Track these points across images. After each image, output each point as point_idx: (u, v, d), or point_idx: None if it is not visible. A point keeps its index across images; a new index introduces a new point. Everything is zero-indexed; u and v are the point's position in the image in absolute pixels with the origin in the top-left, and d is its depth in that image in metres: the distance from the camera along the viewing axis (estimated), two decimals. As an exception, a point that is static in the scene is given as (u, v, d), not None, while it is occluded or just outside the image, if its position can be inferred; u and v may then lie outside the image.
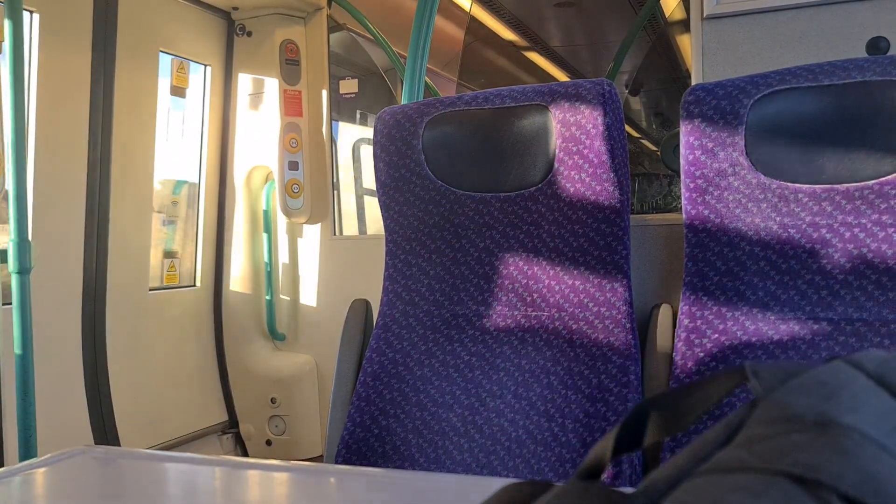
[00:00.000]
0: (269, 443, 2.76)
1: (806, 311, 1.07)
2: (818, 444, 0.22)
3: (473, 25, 4.78)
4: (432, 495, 0.74)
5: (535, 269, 1.22)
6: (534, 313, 1.21)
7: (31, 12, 2.03)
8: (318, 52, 2.75)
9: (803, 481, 0.21)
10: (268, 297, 2.77)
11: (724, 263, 1.11)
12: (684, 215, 1.14)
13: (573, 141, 1.16)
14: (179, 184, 2.81)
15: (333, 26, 2.88)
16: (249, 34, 2.76)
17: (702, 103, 1.11)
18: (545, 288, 1.21)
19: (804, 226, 1.06)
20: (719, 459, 0.23)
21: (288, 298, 2.80)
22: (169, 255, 2.72)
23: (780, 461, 0.22)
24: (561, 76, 5.79)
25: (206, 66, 2.73)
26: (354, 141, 3.52)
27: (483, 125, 1.23)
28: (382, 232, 1.34)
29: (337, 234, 2.79)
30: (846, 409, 0.23)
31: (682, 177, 1.13)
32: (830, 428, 0.23)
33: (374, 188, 1.34)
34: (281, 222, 2.80)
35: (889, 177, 1.02)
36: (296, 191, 2.69)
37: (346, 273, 2.70)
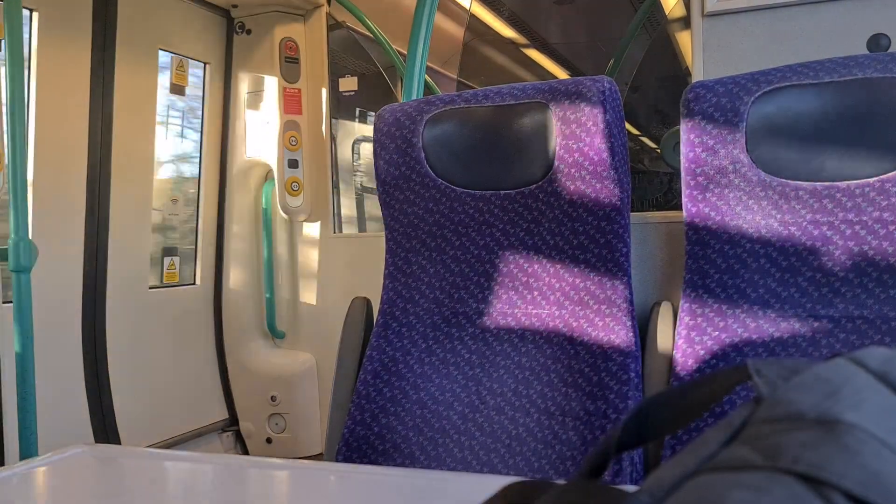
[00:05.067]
0: (269, 441, 2.76)
1: (807, 309, 1.06)
2: (821, 441, 0.22)
3: (473, 23, 4.78)
4: (433, 493, 0.74)
5: (536, 266, 1.22)
6: (534, 311, 1.21)
7: (31, 10, 2.03)
8: (318, 50, 2.75)
9: (807, 479, 0.21)
10: (268, 295, 2.77)
11: (724, 261, 1.11)
12: (685, 213, 1.14)
13: (573, 138, 1.16)
14: (179, 182, 2.81)
15: (333, 24, 2.87)
16: (249, 32, 2.76)
17: (702, 101, 1.10)
18: (545, 285, 1.21)
19: (805, 223, 1.06)
20: (723, 458, 0.23)
21: (288, 296, 2.80)
22: (169, 252, 2.72)
23: (784, 459, 0.22)
24: (561, 73, 5.78)
25: (205, 63, 2.72)
26: (354, 139, 3.52)
27: (483, 123, 1.23)
28: (382, 230, 1.34)
29: (337, 231, 2.79)
30: (849, 406, 0.23)
31: (683, 174, 1.13)
32: (833, 425, 0.23)
33: (374, 186, 1.34)
34: (281, 220, 2.80)
35: (890, 174, 1.02)
36: (295, 189, 2.69)
37: (346, 271, 2.70)
